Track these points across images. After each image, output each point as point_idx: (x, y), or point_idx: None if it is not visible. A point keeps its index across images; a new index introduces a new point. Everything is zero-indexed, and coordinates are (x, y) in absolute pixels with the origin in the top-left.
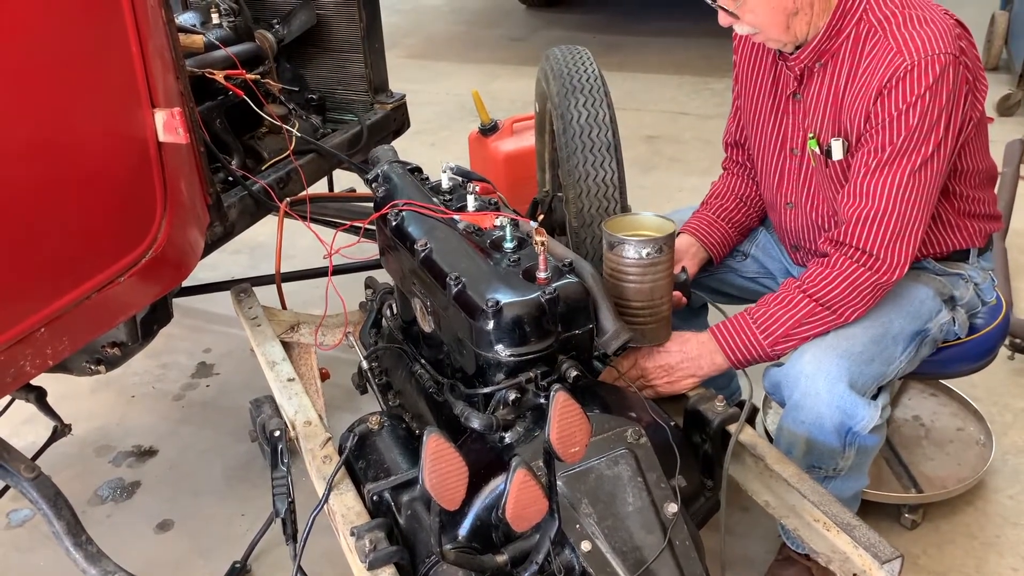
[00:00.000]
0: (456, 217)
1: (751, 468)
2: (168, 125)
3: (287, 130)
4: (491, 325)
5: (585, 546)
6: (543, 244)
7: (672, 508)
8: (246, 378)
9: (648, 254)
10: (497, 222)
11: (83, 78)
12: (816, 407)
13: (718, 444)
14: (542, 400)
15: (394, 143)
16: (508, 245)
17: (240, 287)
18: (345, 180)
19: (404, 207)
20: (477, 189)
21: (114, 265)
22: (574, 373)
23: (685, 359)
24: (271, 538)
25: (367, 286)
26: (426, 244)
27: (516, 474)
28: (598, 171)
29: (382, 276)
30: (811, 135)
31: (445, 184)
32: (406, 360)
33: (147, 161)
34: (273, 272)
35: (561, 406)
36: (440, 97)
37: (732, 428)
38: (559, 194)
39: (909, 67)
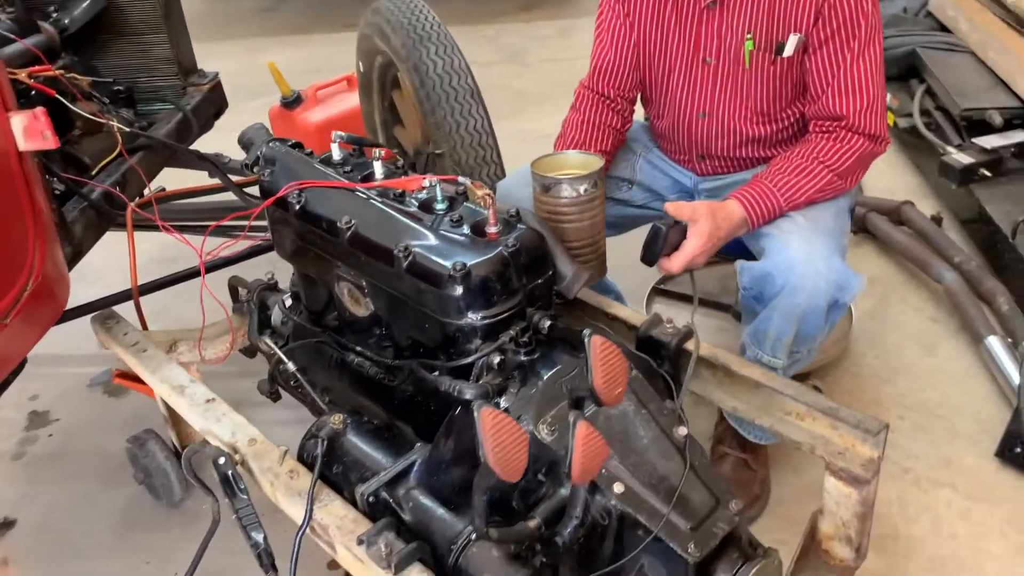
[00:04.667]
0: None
1: (709, 379)
2: (30, 129)
3: (112, 127)
4: (460, 291)
5: (617, 488)
6: (490, 196)
7: (682, 431)
8: (92, 417)
9: (585, 190)
10: (425, 182)
11: None
12: (817, 285)
13: (677, 364)
14: (523, 358)
15: None
16: (439, 206)
17: (103, 314)
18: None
19: (307, 186)
20: (382, 154)
21: None
22: (548, 323)
23: (718, 226)
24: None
25: (232, 287)
26: (350, 220)
27: (579, 428)
28: (467, 119)
29: (245, 273)
30: (748, 36)
31: (336, 156)
32: (329, 352)
33: (11, 175)
34: (117, 291)
35: (600, 350)
36: None
37: (688, 345)
38: (437, 151)
39: None
